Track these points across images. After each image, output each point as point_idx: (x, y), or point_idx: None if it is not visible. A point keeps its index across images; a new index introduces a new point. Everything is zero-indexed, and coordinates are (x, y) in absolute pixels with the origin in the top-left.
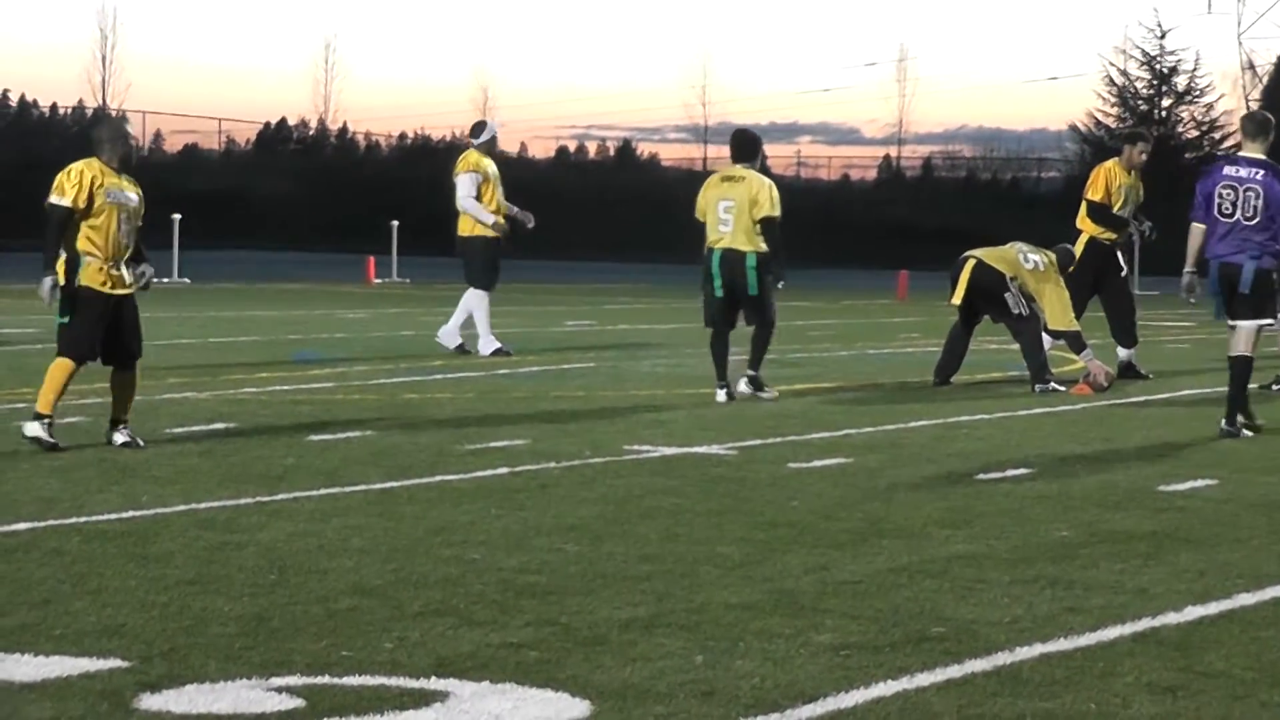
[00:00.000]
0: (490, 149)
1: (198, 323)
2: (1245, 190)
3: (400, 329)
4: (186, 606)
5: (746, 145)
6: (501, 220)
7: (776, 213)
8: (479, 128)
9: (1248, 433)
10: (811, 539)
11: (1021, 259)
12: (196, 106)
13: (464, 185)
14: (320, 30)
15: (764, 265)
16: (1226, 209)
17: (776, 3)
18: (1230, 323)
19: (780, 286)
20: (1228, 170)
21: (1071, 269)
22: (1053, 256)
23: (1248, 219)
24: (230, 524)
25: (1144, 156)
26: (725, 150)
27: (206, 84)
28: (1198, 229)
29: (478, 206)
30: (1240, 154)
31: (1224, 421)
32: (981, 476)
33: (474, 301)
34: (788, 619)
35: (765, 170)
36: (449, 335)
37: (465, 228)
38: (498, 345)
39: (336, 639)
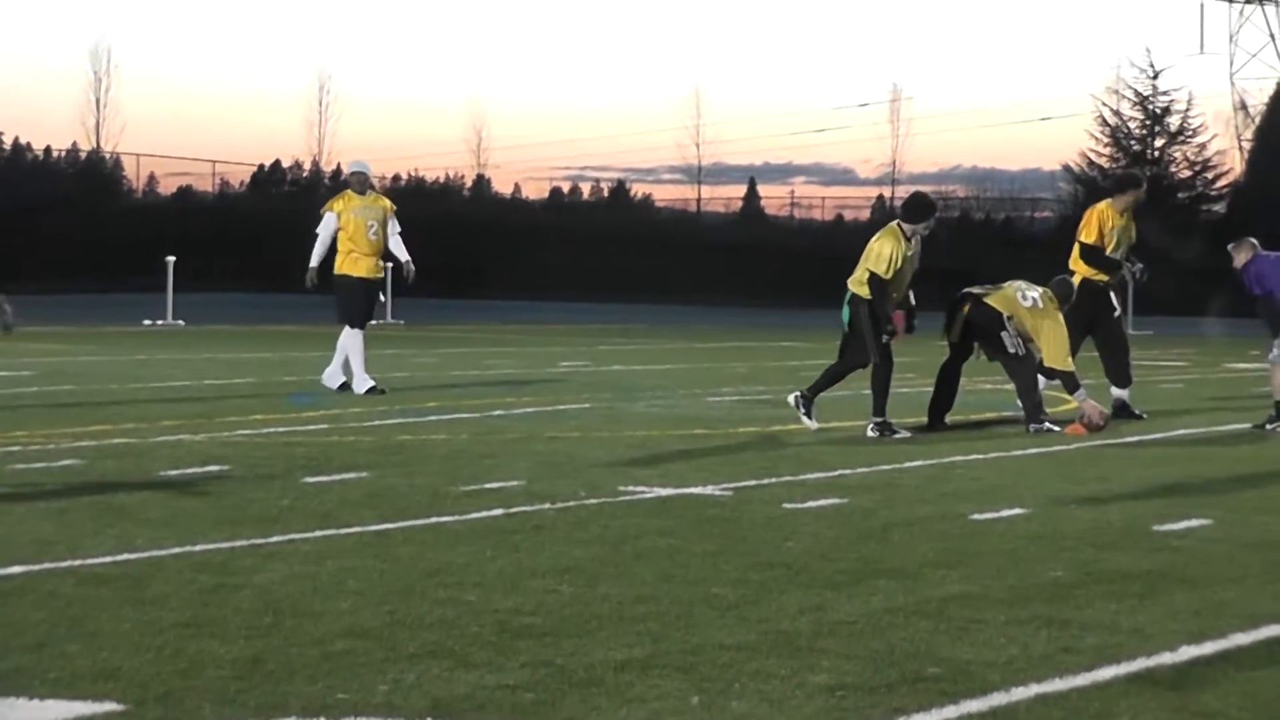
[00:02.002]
0: (359, 188)
1: (192, 365)
2: None
3: (394, 370)
4: (182, 649)
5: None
6: (315, 270)
7: (875, 267)
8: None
9: None
10: (807, 579)
11: (1019, 297)
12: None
13: (323, 223)
14: (314, 72)
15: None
16: None
17: (770, 44)
18: None
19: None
20: None
21: (1070, 302)
22: (1051, 292)
23: None
24: (225, 566)
25: (1143, 198)
26: (720, 190)
27: (200, 126)
28: None
29: (319, 245)
30: None
31: None
32: (976, 516)
33: (347, 341)
34: (783, 660)
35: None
36: (331, 376)
37: (337, 266)
38: (372, 384)
39: (332, 681)
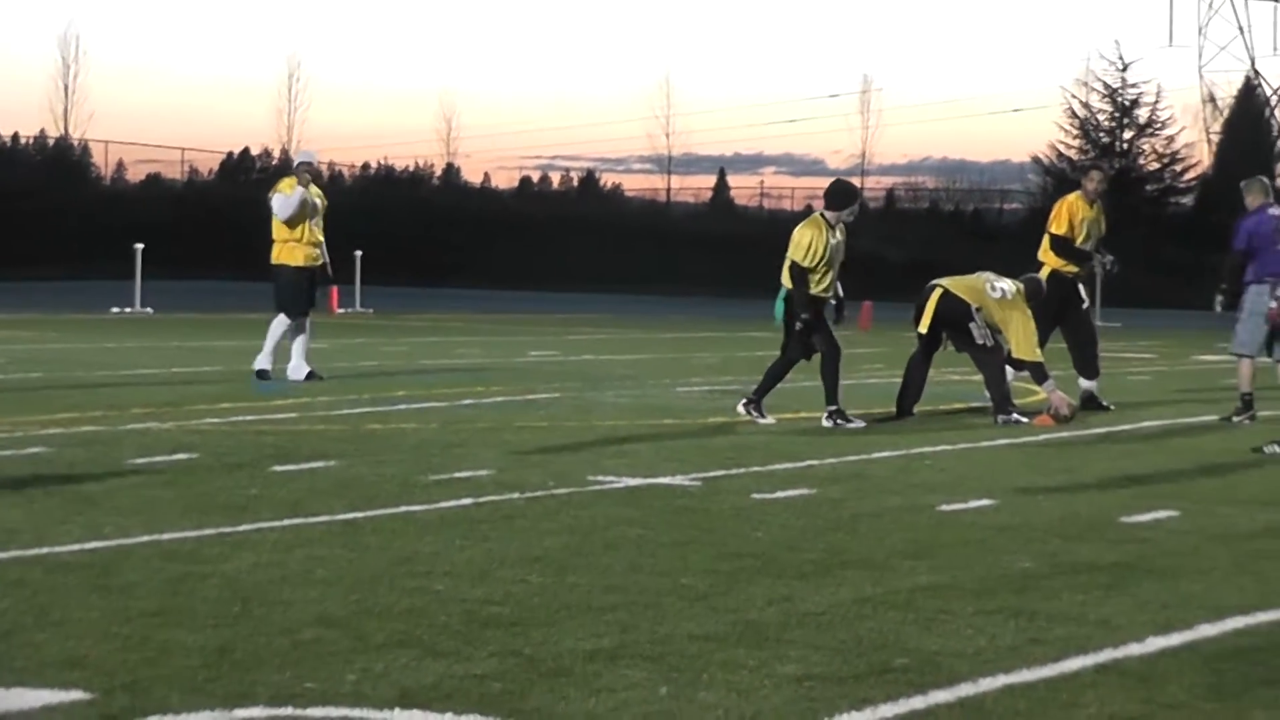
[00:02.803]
0: (303, 179)
1: (161, 353)
2: None
3: (363, 359)
4: (149, 638)
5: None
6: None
7: (795, 256)
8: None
9: None
10: (775, 570)
11: (988, 288)
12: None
13: (275, 207)
14: (284, 59)
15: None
16: None
17: (741, 34)
18: None
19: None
20: None
21: (1039, 300)
22: (1021, 286)
23: None
24: (194, 555)
25: (1102, 185)
26: (690, 180)
27: (169, 113)
28: None
29: (298, 209)
30: None
31: None
32: (944, 507)
33: (275, 325)
34: (752, 650)
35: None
36: (296, 370)
37: (274, 256)
38: (266, 368)
39: (300, 670)
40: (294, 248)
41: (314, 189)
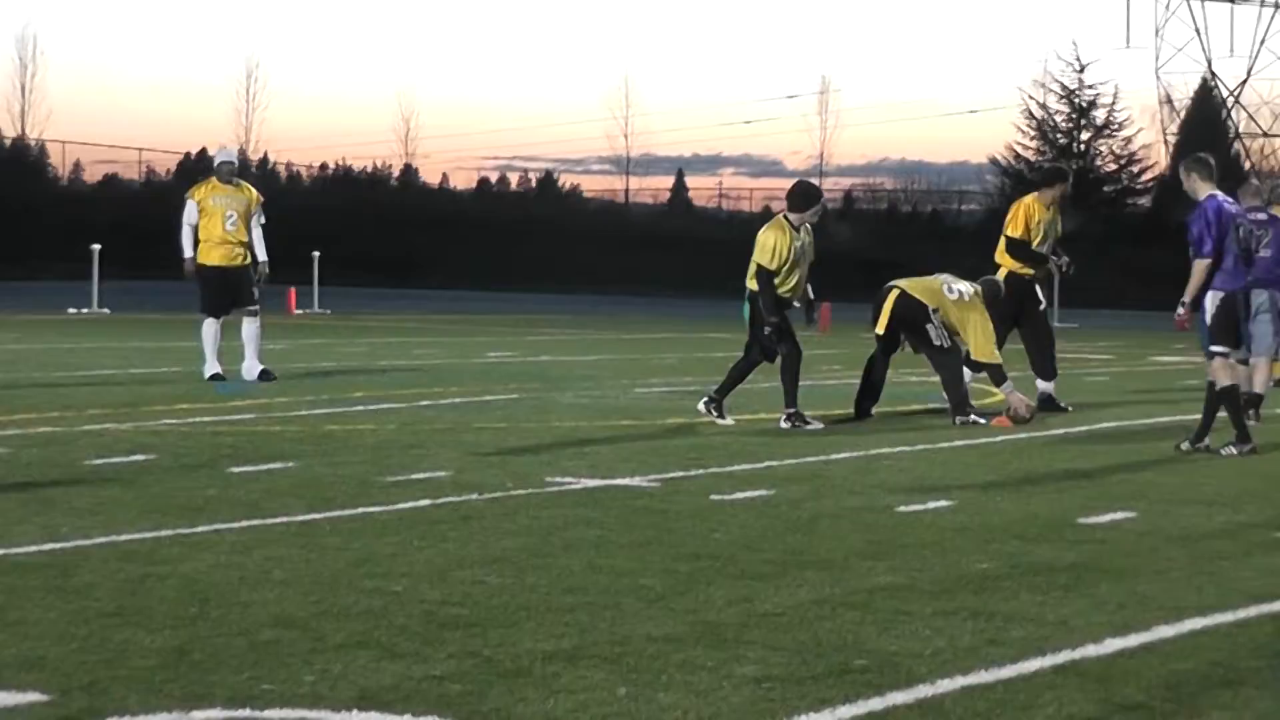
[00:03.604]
0: (224, 177)
1: (118, 353)
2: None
3: (321, 360)
4: (107, 639)
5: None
6: (194, 259)
7: (760, 259)
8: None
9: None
10: (734, 571)
11: (946, 290)
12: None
13: (186, 212)
14: (243, 59)
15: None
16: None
17: (700, 35)
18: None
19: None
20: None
21: (998, 303)
22: (979, 288)
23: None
24: (151, 556)
25: (1070, 191)
26: (648, 181)
27: (127, 113)
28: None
29: (183, 237)
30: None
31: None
32: (903, 508)
33: (202, 327)
34: (710, 651)
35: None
36: (249, 371)
37: (199, 257)
38: (217, 370)
39: (258, 671)
40: (208, 247)
41: (237, 186)
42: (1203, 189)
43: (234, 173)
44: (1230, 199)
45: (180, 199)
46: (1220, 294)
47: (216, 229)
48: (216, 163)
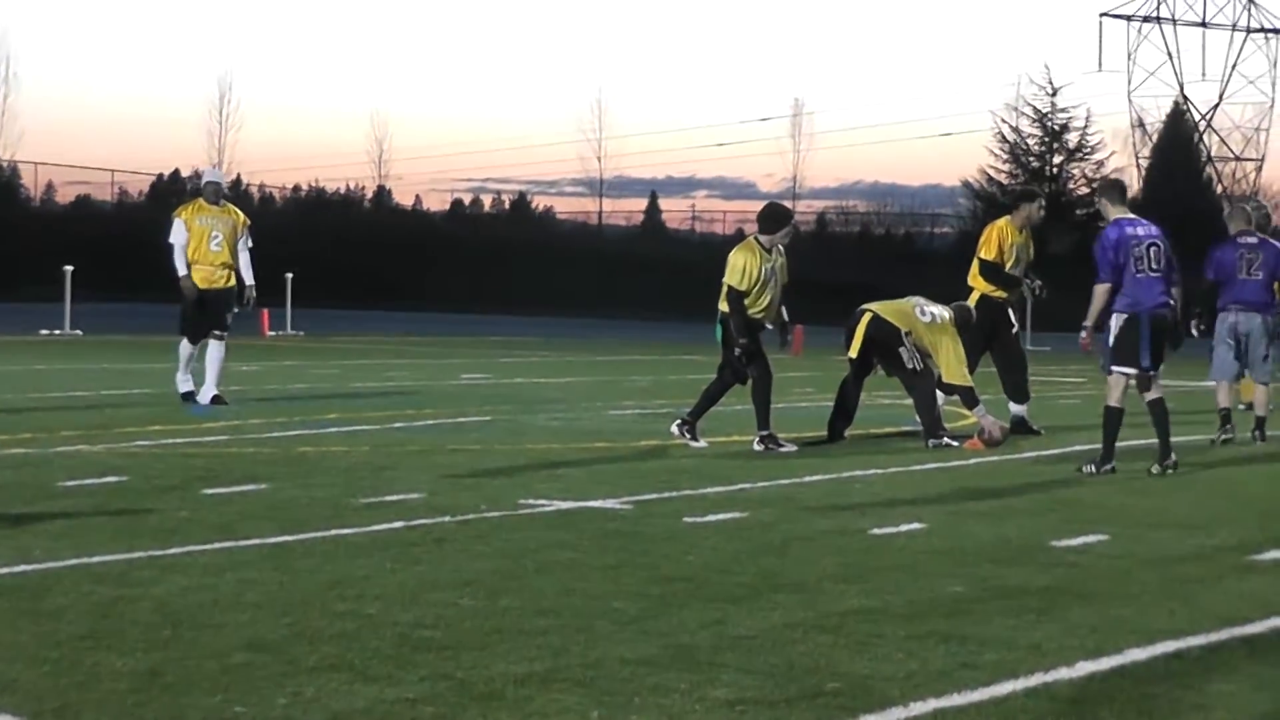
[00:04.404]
0: (210, 198)
1: (90, 375)
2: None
3: (294, 381)
4: (79, 662)
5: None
6: (190, 278)
7: (731, 280)
8: (199, 176)
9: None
10: (707, 593)
11: (918, 313)
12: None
13: (173, 231)
14: (215, 80)
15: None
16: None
17: (673, 58)
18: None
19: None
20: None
21: (969, 328)
22: (951, 312)
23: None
24: (123, 578)
25: (1042, 213)
26: (621, 204)
27: (100, 134)
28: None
29: (175, 257)
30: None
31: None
32: (875, 531)
33: (180, 347)
34: (683, 674)
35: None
36: (204, 396)
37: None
38: (189, 389)
39: (230, 694)
40: (193, 269)
41: (223, 208)
42: (1112, 212)
43: (220, 194)
44: (1137, 221)
45: (153, 220)
46: (1124, 316)
47: (202, 250)
48: (203, 182)
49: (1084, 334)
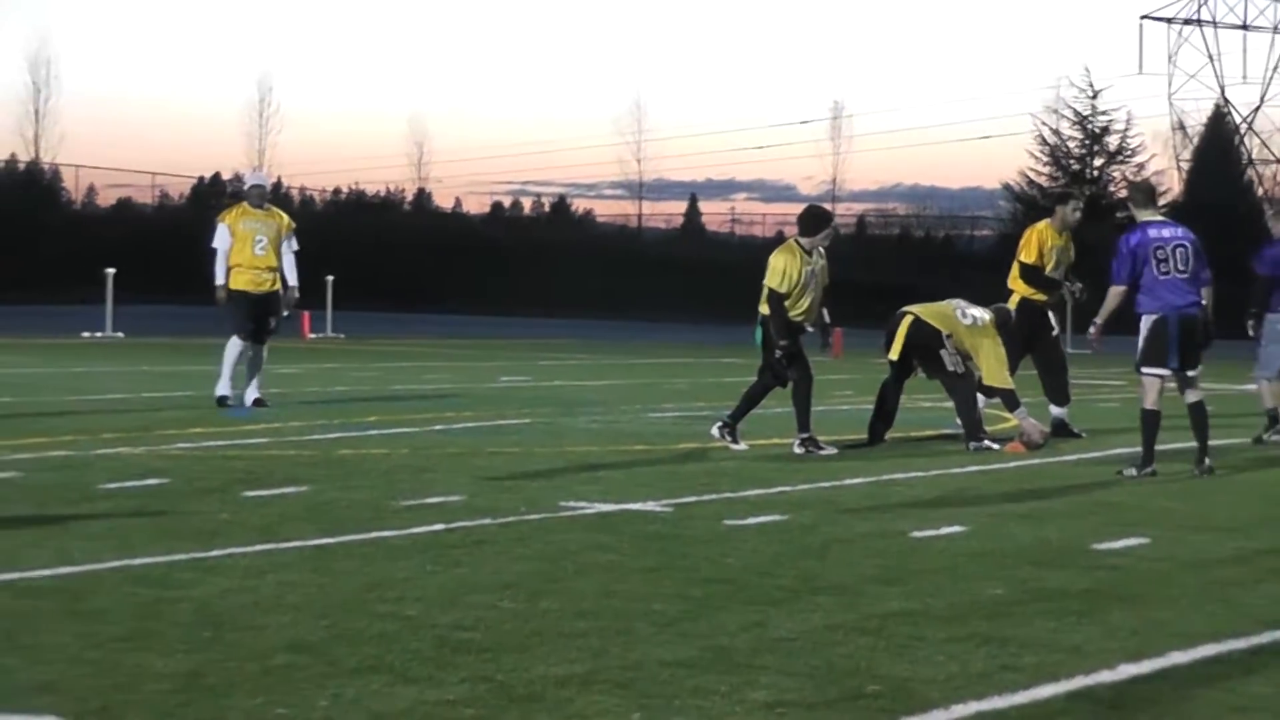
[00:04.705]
0: (255, 202)
1: (132, 377)
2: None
3: (334, 384)
4: (120, 663)
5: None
6: (225, 287)
7: (771, 282)
8: (241, 179)
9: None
10: (747, 596)
11: (959, 315)
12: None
13: (216, 236)
14: (255, 83)
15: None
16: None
17: (713, 60)
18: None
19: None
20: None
21: (1008, 330)
22: (991, 315)
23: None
24: (165, 580)
25: (1078, 215)
26: (661, 206)
27: (140, 137)
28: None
29: (216, 263)
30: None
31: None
32: (916, 534)
33: (228, 347)
34: (723, 676)
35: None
36: (247, 394)
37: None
38: (226, 393)
39: (271, 696)
40: (237, 272)
41: (267, 211)
42: (1139, 215)
43: (265, 197)
44: (1165, 224)
45: (194, 222)
46: (1152, 317)
47: (246, 254)
48: (247, 186)
49: (1092, 330)
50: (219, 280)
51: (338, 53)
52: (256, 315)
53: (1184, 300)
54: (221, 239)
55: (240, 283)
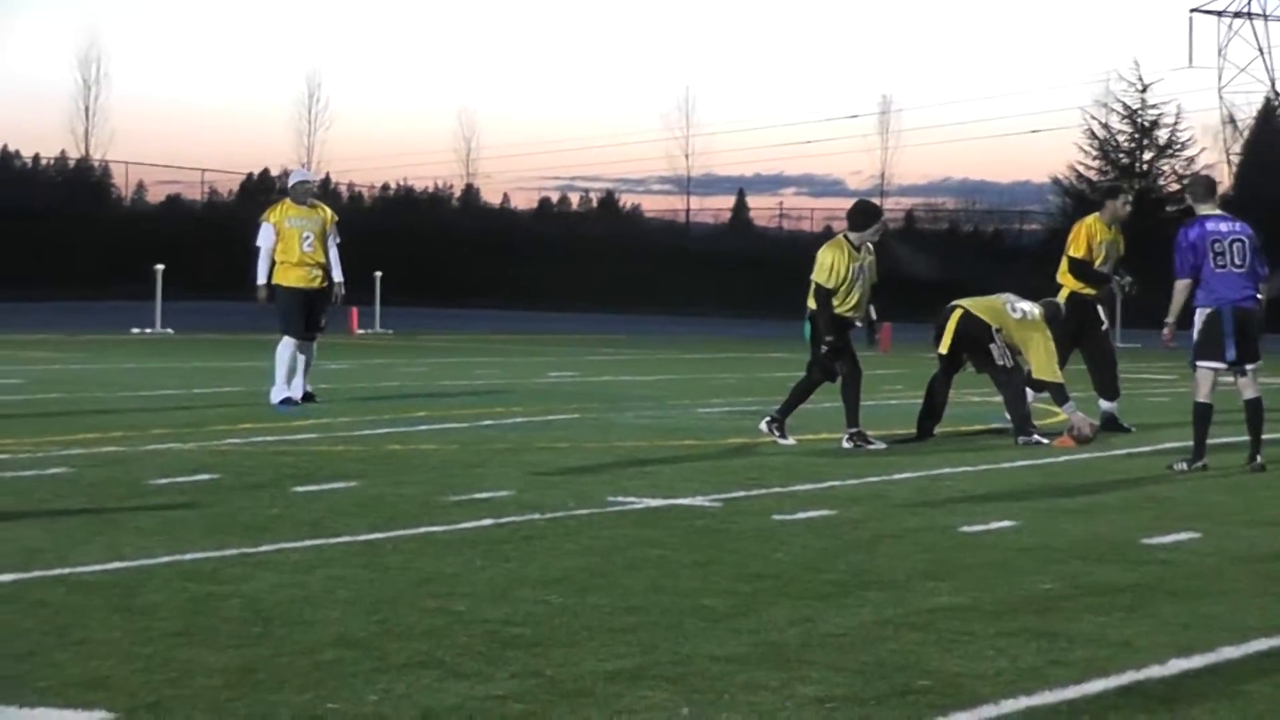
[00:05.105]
0: (297, 197)
1: (181, 373)
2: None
3: (383, 380)
4: (171, 658)
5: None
6: (266, 286)
7: (819, 278)
8: (288, 176)
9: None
10: (796, 591)
11: (1008, 309)
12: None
13: (259, 235)
14: (304, 79)
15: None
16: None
17: (761, 55)
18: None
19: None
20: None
21: (1058, 324)
22: (1040, 309)
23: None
24: (215, 575)
25: (1128, 209)
26: (709, 201)
27: (190, 134)
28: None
29: (259, 261)
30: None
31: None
32: (965, 529)
33: (279, 350)
34: (773, 671)
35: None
36: (295, 389)
37: (275, 277)
38: (288, 394)
39: (322, 691)
40: (286, 269)
41: (311, 206)
42: (1198, 208)
43: (310, 193)
44: (1223, 217)
45: (243, 219)
46: (1206, 310)
47: (294, 250)
48: (291, 183)
49: (1166, 330)
50: (260, 279)
51: (387, 48)
52: (306, 313)
53: (1239, 294)
54: (266, 237)
55: (291, 279)
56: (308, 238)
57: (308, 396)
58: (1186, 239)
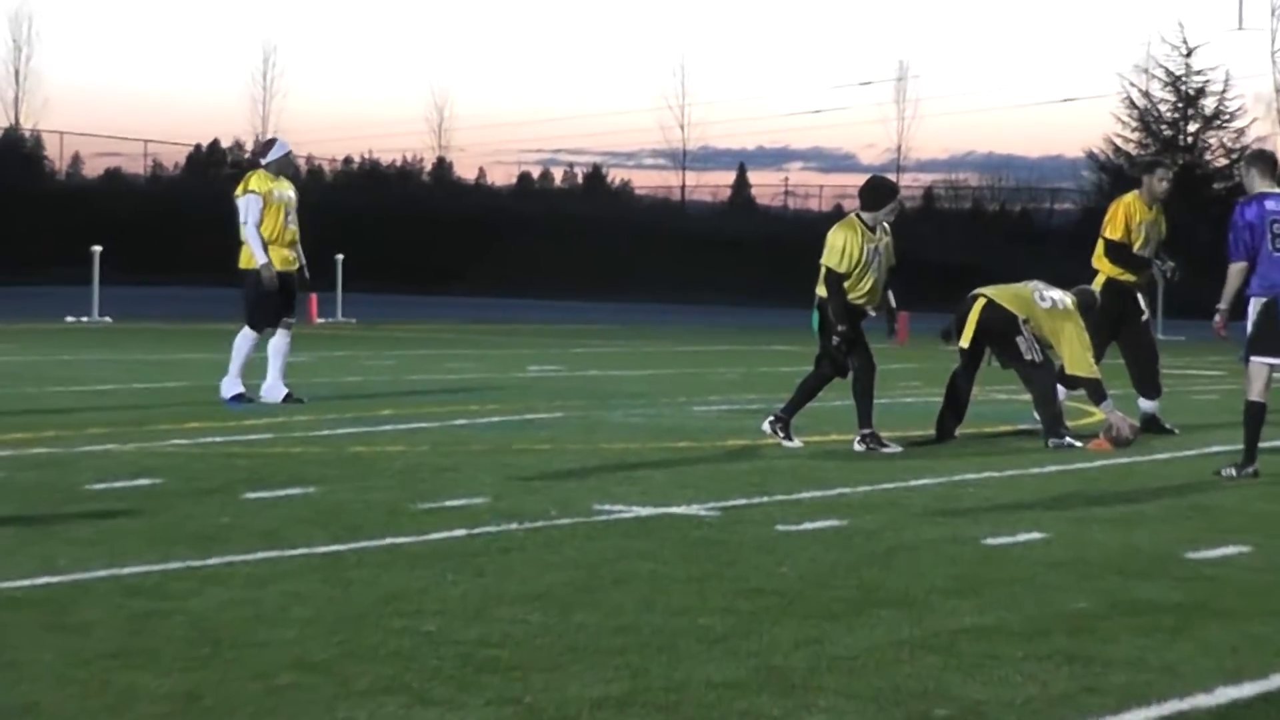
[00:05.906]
0: (282, 169)
1: (121, 366)
2: None
3: (346, 374)
4: (109, 682)
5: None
6: (273, 267)
7: (829, 261)
8: (268, 145)
9: None
10: (802, 609)
11: (1037, 298)
12: (120, 126)
13: (246, 210)
14: (259, 43)
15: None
16: None
17: (762, 17)
18: None
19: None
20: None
21: (1093, 312)
22: (1074, 298)
23: None
24: (158, 590)
25: (1165, 185)
26: (707, 177)
27: (132, 101)
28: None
29: (258, 240)
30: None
31: None
32: (990, 541)
33: (239, 340)
34: (776, 699)
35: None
36: (271, 390)
37: (244, 260)
38: (240, 390)
39: (276, 719)
40: (271, 249)
41: (286, 180)
42: (1256, 185)
43: (294, 166)
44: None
45: (189, 195)
46: (1261, 300)
47: (277, 229)
48: (278, 154)
49: (1218, 318)
50: (262, 259)
51: (350, 9)
52: (283, 299)
53: None
54: (253, 210)
55: (274, 261)
56: (290, 214)
57: (289, 398)
58: (1244, 218)
